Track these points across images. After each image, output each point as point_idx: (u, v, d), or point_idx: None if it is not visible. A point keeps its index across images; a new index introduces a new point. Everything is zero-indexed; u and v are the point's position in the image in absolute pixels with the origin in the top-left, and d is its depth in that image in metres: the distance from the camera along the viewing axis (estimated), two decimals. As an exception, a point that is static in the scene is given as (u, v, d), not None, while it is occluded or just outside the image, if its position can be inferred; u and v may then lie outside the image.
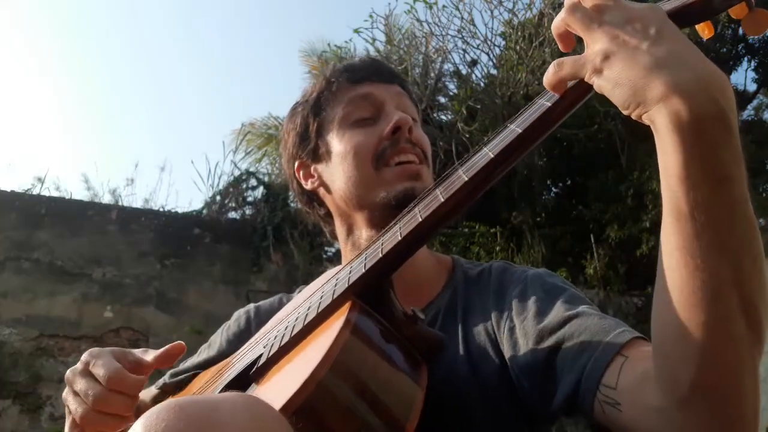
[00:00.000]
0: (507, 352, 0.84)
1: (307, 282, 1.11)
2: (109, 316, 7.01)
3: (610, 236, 7.62)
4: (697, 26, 0.67)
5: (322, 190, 1.06)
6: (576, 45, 0.67)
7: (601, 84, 0.61)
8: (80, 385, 0.78)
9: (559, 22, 0.65)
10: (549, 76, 0.66)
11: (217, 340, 1.10)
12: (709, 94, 0.56)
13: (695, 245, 0.57)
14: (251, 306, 1.13)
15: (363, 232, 1.00)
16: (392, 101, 1.01)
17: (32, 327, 6.63)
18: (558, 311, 0.82)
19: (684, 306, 0.59)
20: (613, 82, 0.59)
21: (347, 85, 1.03)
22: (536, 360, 0.79)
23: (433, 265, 1.03)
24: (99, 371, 0.78)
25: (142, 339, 7.01)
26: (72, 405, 0.79)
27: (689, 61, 0.58)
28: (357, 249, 1.00)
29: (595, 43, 0.61)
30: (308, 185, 1.07)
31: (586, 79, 0.63)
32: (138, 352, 0.86)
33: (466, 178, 0.69)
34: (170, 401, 0.50)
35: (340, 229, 1.05)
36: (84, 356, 0.82)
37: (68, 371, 0.82)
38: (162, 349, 0.87)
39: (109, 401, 0.76)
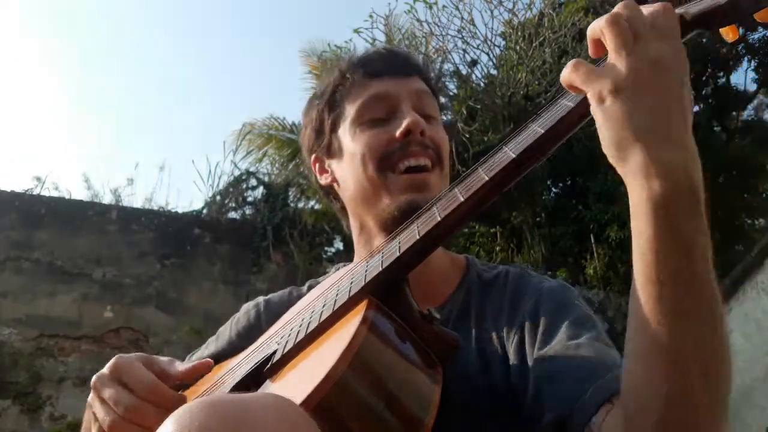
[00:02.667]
0: (512, 363, 0.85)
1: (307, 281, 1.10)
2: (109, 316, 6.99)
3: (610, 236, 7.61)
4: (721, 30, 0.66)
5: (336, 186, 1.05)
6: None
7: (595, 111, 0.62)
8: (109, 392, 0.75)
9: (596, 29, 0.64)
10: (564, 75, 0.65)
11: (226, 332, 1.09)
12: (686, 171, 0.58)
13: (659, 310, 0.59)
14: (261, 299, 1.12)
15: (374, 232, 0.99)
16: (408, 99, 0.98)
17: (32, 327, 6.62)
18: (562, 337, 0.82)
19: (646, 373, 0.61)
20: (607, 118, 0.60)
21: (363, 80, 1.01)
22: (532, 379, 0.80)
23: (447, 264, 1.02)
24: (133, 380, 0.75)
25: (142, 339, 7.00)
26: (100, 412, 0.76)
27: (678, 132, 0.59)
28: (370, 246, 1.00)
29: (614, 69, 0.60)
30: (323, 180, 1.07)
31: (588, 97, 0.62)
32: (164, 361, 0.82)
33: (487, 178, 0.68)
34: (201, 400, 0.50)
35: (353, 225, 1.04)
36: (112, 362, 0.79)
37: (95, 376, 0.78)
38: (191, 364, 0.83)
39: (143, 412, 0.73)
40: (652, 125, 0.58)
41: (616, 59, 0.61)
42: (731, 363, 0.62)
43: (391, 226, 0.92)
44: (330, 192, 1.08)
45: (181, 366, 0.82)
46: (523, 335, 0.85)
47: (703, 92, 10.33)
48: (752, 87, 10.34)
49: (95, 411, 0.77)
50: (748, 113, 10.89)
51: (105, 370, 0.78)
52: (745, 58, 9.33)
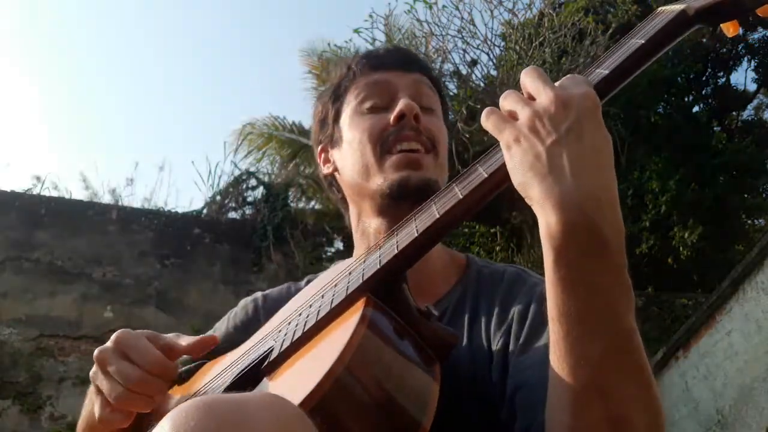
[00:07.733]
0: (495, 363, 0.86)
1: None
2: (109, 316, 7.00)
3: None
4: (722, 24, 0.66)
5: (336, 174, 1.07)
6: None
7: (506, 157, 0.66)
8: (115, 366, 0.76)
9: (521, 81, 0.71)
10: (482, 121, 0.70)
11: (222, 327, 1.09)
12: (581, 208, 0.60)
13: (559, 348, 0.62)
14: (258, 294, 1.13)
15: (371, 221, 1.00)
16: (407, 90, 1.00)
17: (32, 327, 6.63)
18: (542, 346, 0.81)
19: (555, 407, 0.65)
20: (513, 163, 0.65)
21: (366, 71, 1.04)
22: (509, 383, 0.81)
23: (446, 261, 1.02)
24: (138, 355, 0.77)
25: (142, 339, 7.02)
26: (105, 386, 0.77)
27: (576, 171, 0.61)
28: (366, 237, 1.01)
29: (518, 116, 0.66)
30: (325, 169, 1.09)
31: (500, 144, 0.68)
32: (170, 336, 0.84)
33: (486, 175, 0.69)
34: (198, 399, 0.49)
35: (352, 215, 1.06)
36: (115, 336, 0.80)
37: (98, 350, 0.80)
38: (196, 338, 0.85)
39: (148, 383, 0.76)
40: (548, 164, 0.62)
41: (519, 107, 0.67)
42: (657, 408, 0.62)
43: (386, 207, 0.96)
44: (332, 182, 1.10)
45: (187, 339, 0.84)
46: (508, 340, 0.86)
47: (703, 92, 10.34)
48: (752, 87, 10.35)
49: (99, 385, 0.78)
50: (748, 113, 10.90)
51: (109, 344, 0.80)
52: (745, 58, 9.34)
